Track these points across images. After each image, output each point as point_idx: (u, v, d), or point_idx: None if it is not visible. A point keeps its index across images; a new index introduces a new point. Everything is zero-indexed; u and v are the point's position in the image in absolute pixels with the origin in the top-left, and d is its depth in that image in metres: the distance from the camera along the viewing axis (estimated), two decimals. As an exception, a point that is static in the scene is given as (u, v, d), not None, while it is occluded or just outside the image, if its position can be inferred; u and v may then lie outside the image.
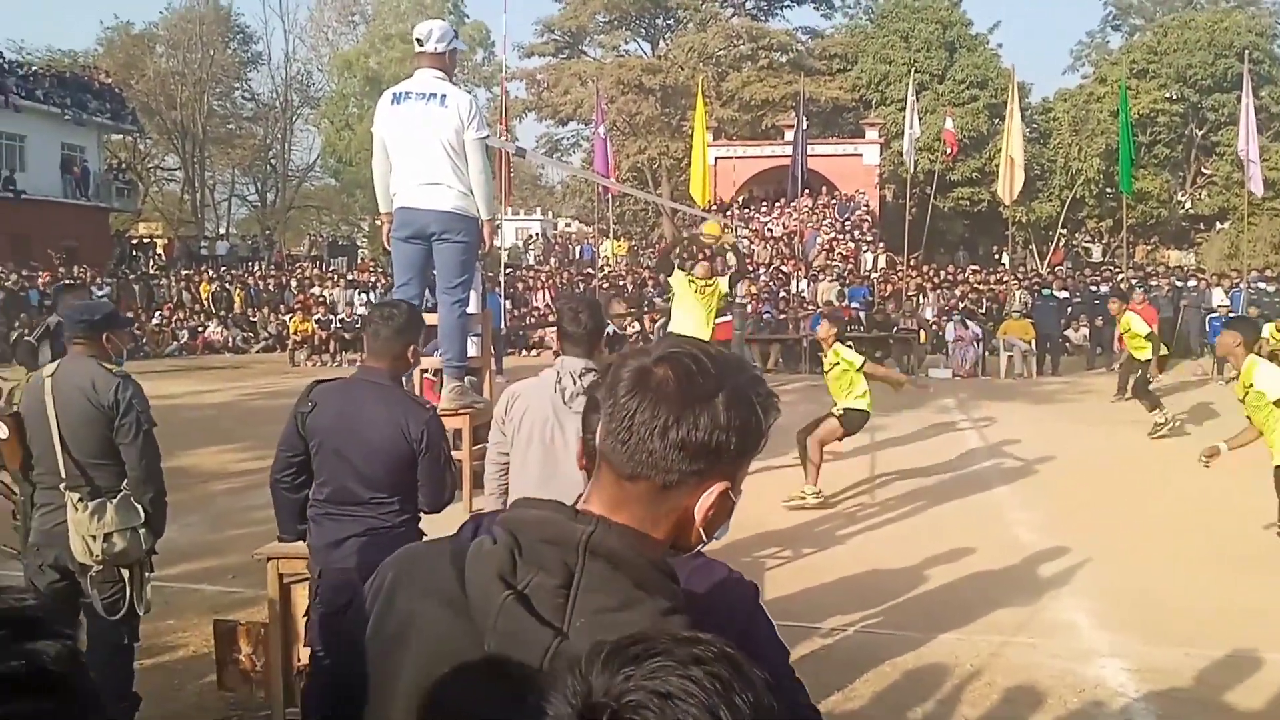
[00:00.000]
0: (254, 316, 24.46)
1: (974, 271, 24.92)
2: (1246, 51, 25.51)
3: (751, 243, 27.38)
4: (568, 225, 50.76)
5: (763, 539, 6.58)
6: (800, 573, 6.00)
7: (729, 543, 6.41)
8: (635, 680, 0.74)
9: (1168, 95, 31.94)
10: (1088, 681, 4.36)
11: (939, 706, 4.08)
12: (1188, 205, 33.08)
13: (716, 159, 31.60)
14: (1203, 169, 33.01)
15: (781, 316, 20.19)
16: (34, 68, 32.51)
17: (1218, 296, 20.00)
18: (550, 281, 24.61)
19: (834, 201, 30.60)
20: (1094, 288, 21.58)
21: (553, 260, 32.23)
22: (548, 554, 1.01)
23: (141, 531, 3.59)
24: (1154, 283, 20.83)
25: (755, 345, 18.43)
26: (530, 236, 44.17)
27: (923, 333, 19.55)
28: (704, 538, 1.09)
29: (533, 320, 22.25)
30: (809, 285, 22.99)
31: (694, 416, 1.01)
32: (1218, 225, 32.33)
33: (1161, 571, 6.19)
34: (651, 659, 0.76)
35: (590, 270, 26.67)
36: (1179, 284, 21.36)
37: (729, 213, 28.82)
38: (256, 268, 31.15)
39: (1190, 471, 8.97)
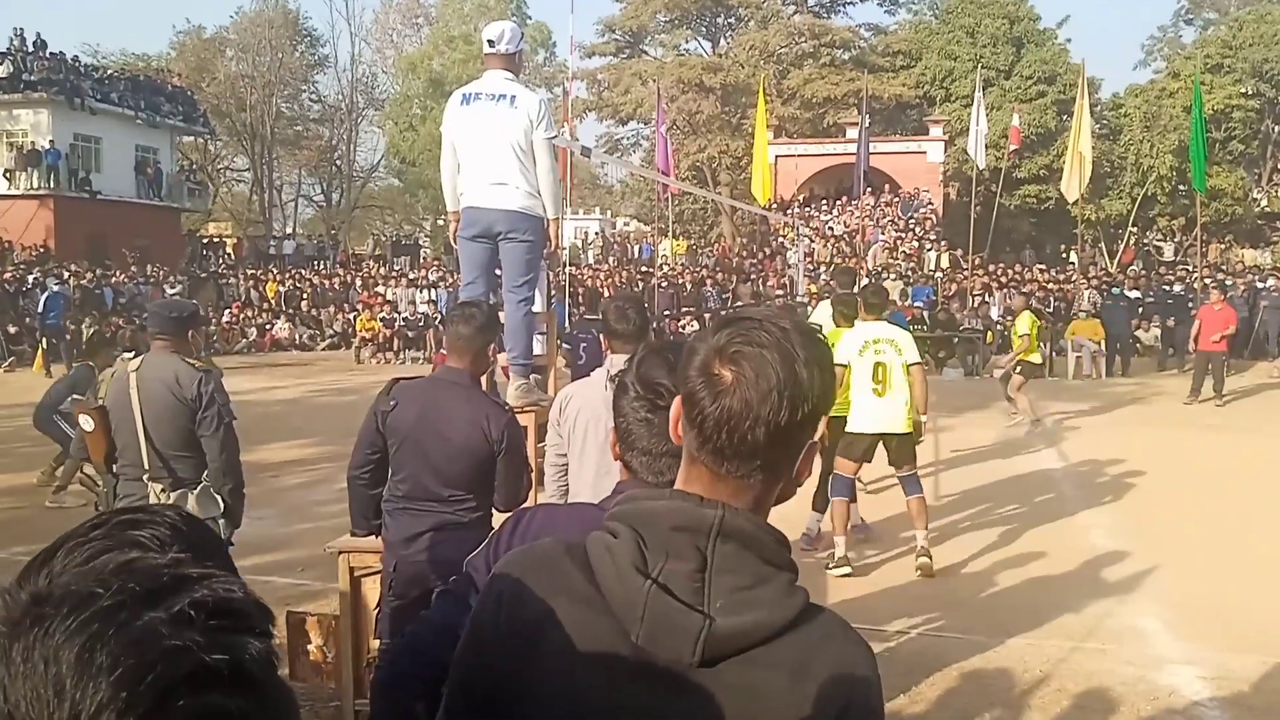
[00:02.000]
0: (320, 314, 24.94)
1: (1041, 270, 24.45)
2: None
3: (812, 241, 27.20)
4: (626, 224, 50.88)
5: (824, 540, 6.52)
6: (864, 575, 5.96)
7: (791, 544, 6.38)
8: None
9: (1243, 90, 31.00)
10: (1161, 689, 4.27)
11: (1006, 712, 4.02)
12: (1264, 203, 32.10)
13: (777, 157, 31.39)
14: (1279, 166, 32.00)
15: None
16: (109, 72, 33.50)
17: (1298, 296, 19.34)
18: (609, 280, 24.69)
19: (897, 200, 30.25)
20: (1166, 287, 21.06)
21: (611, 259, 32.32)
22: (678, 541, 1.03)
23: (220, 522, 3.70)
24: (1229, 282, 20.20)
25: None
26: (588, 236, 44.40)
27: (989, 333, 19.24)
28: (797, 486, 1.12)
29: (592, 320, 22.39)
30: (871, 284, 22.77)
31: (784, 398, 1.03)
32: (1298, 223, 31.35)
33: (1236, 577, 6.03)
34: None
35: (649, 269, 26.70)
36: (1258, 284, 20.72)
37: (790, 211, 28.66)
38: (322, 266, 31.76)
39: (1264, 476, 8.76)
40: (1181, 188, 28.98)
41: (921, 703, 4.09)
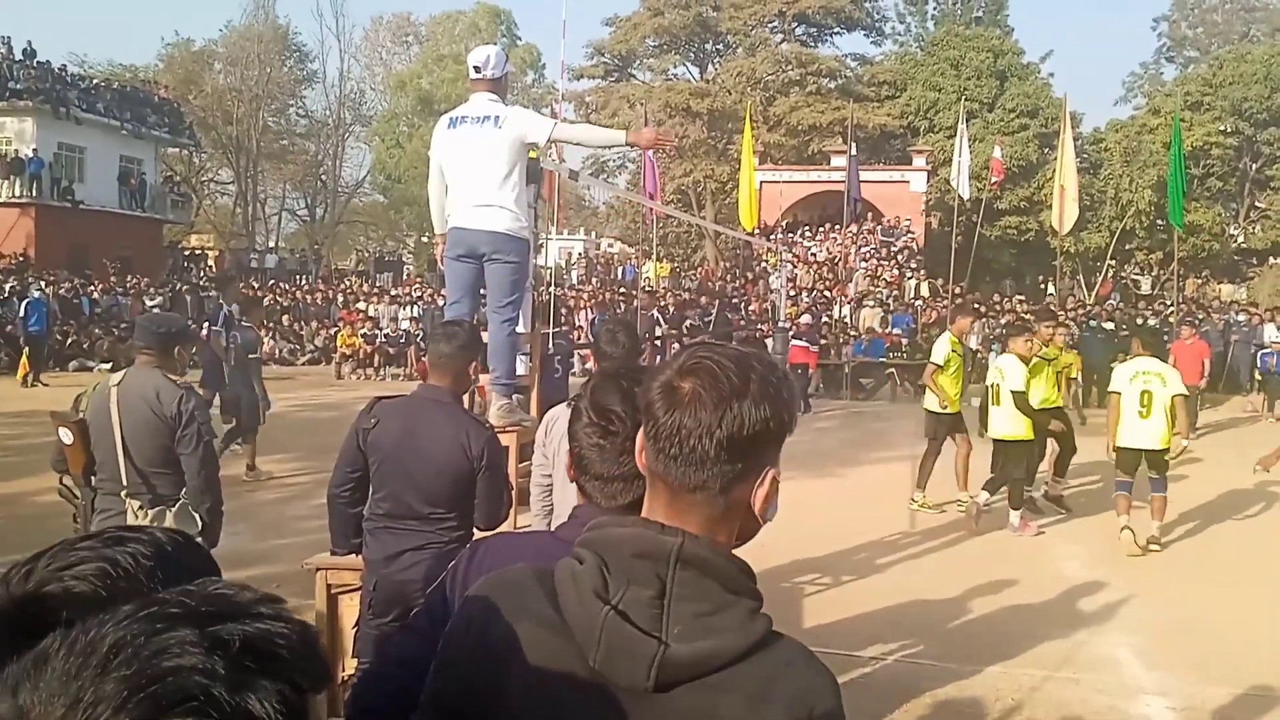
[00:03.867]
0: (301, 329, 24.83)
1: (1020, 301, 24.67)
2: (1304, 85, 25.19)
3: (794, 267, 27.36)
4: (610, 246, 51.03)
5: (801, 566, 6.56)
6: (840, 600, 5.99)
7: (769, 568, 6.42)
8: None
9: (1222, 128, 31.50)
10: (1132, 718, 4.31)
11: (979, 739, 4.05)
12: (1240, 239, 32.55)
13: (762, 183, 31.60)
14: (1256, 203, 32.50)
15: (823, 342, 20.12)
16: (95, 81, 33.40)
17: (1269, 332, 19.61)
18: (592, 301, 24.74)
19: (879, 227, 30.50)
20: (1140, 320, 21.29)
21: (594, 280, 32.39)
22: (639, 568, 1.06)
23: (198, 541, 3.69)
24: (1202, 317, 20.47)
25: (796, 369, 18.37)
26: (572, 256, 44.47)
27: (967, 361, 19.36)
28: (761, 523, 1.14)
29: (575, 340, 22.38)
30: (852, 311, 22.91)
31: (735, 414, 1.06)
32: (1270, 260, 31.77)
33: (1208, 607, 6.10)
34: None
35: (631, 290, 26.77)
36: (1233, 319, 21.00)
37: (773, 237, 28.83)
38: (304, 281, 31.66)
39: (1236, 508, 8.85)
40: (1160, 223, 29.34)
41: (895, 729, 4.11)
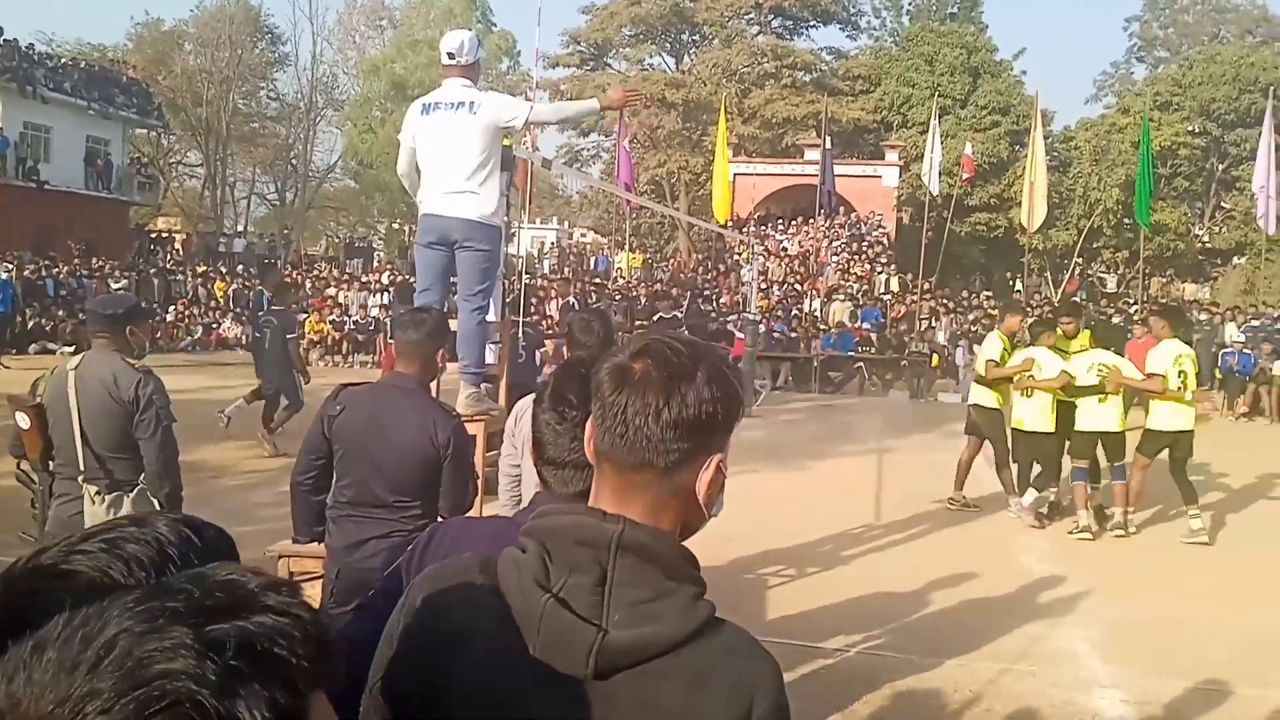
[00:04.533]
0: (269, 314, 24.60)
1: (987, 297, 24.90)
2: (1271, 88, 25.52)
3: (766, 260, 27.46)
4: (583, 235, 50.95)
5: (767, 557, 6.60)
6: (804, 592, 6.02)
7: (733, 559, 6.45)
8: None
9: (1190, 129, 31.93)
10: (1086, 712, 4.38)
11: (937, 730, 4.10)
12: (1205, 239, 33.03)
13: (736, 175, 31.69)
14: (1221, 204, 32.98)
15: (793, 335, 20.22)
16: (63, 60, 32.83)
17: (1230, 332, 19.94)
18: (565, 291, 24.69)
19: (851, 222, 30.66)
20: (1103, 316, 21.56)
21: (567, 270, 32.34)
22: (580, 555, 1.07)
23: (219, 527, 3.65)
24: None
25: (766, 362, 18.46)
26: (544, 245, 44.34)
27: (935, 356, 19.55)
28: (706, 515, 1.14)
29: (545, 330, 22.34)
30: (822, 305, 23.03)
31: (681, 395, 1.07)
32: (1235, 260, 32.26)
33: (1164, 602, 6.20)
34: None
35: (603, 281, 26.76)
36: (1195, 318, 21.31)
37: (746, 229, 28.90)
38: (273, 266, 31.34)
39: (1204, 500, 8.96)
40: (1127, 221, 29.75)
41: (854, 720, 4.15)
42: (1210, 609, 6.09)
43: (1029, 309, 21.78)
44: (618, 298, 23.22)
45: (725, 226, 27.25)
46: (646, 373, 1.08)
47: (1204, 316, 21.36)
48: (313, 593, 3.67)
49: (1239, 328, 20.16)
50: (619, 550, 1.05)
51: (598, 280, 27.23)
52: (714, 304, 23.67)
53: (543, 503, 1.43)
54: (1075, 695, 4.57)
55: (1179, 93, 32.61)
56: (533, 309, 21.36)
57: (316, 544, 3.53)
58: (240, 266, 29.09)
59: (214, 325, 23.52)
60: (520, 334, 8.02)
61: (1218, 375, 18.28)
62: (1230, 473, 10.88)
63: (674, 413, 1.06)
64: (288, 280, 19.06)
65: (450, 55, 4.97)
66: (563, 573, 1.06)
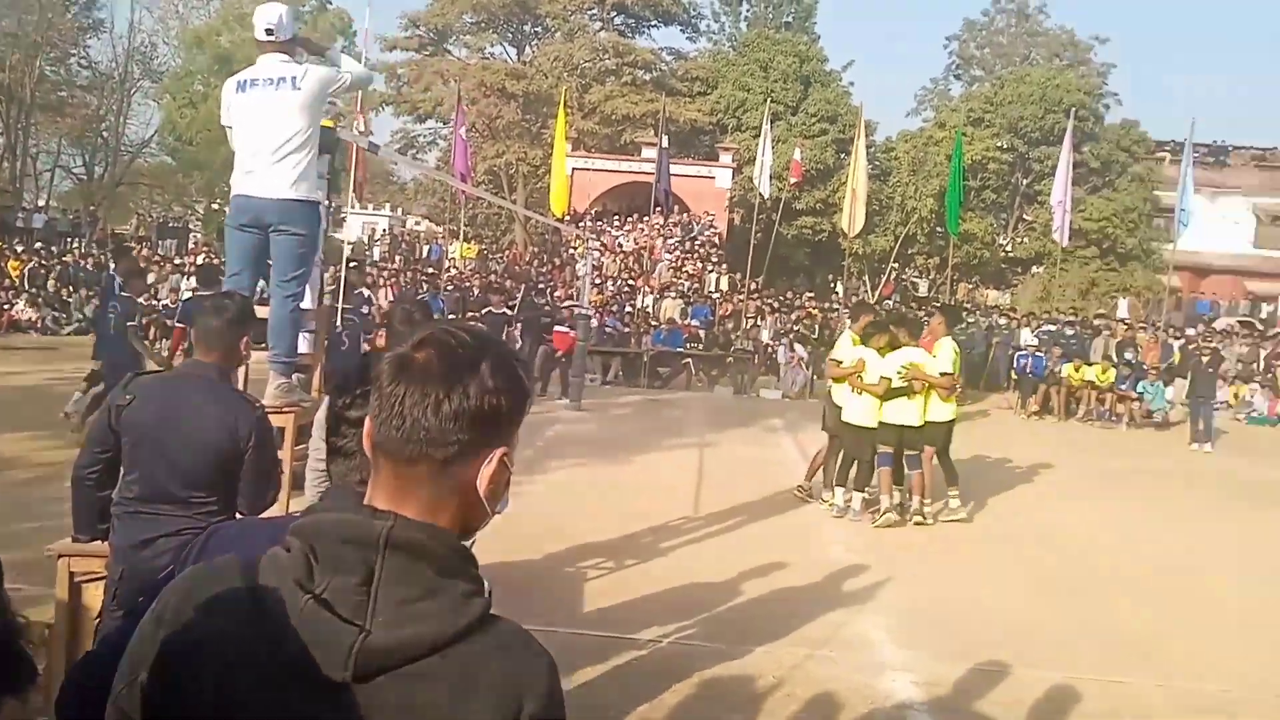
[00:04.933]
0: (69, 296, 22.95)
1: (809, 298, 25.88)
2: (1073, 109, 27.59)
3: (601, 255, 27.65)
4: (417, 224, 49.85)
5: (586, 550, 6.67)
6: (621, 584, 6.12)
7: (552, 553, 6.49)
8: None
9: (999, 144, 34.03)
10: (879, 694, 4.64)
11: (740, 717, 4.25)
12: (1008, 248, 35.33)
13: (574, 170, 31.76)
14: (1024, 216, 35.34)
15: (625, 330, 20.45)
16: None
17: (1025, 336, 21.48)
18: (395, 280, 24.12)
19: (684, 220, 31.23)
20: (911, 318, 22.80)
21: (398, 258, 31.61)
22: (347, 554, 1.03)
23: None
24: (971, 320, 22.18)
25: (597, 356, 18.59)
26: (375, 232, 43.18)
27: (758, 354, 20.19)
28: (489, 512, 1.13)
29: (372, 319, 21.76)
30: (654, 301, 23.39)
31: (463, 386, 1.06)
32: (1033, 269, 34.66)
33: (954, 589, 6.65)
34: None
35: (435, 270, 26.29)
36: (995, 323, 22.86)
37: (582, 224, 29.00)
38: (76, 245, 29.26)
39: (986, 493, 9.64)
40: (939, 230, 31.48)
41: (662, 709, 4.25)
42: (994, 595, 6.56)
43: (836, 310, 22.84)
44: (450, 288, 22.87)
45: (562, 220, 27.27)
46: (428, 363, 1.06)
47: (1003, 321, 22.91)
48: (96, 594, 3.48)
49: (1033, 332, 21.72)
50: (388, 548, 1.03)
51: (430, 270, 26.73)
52: (548, 297, 23.66)
53: (333, 498, 1.41)
54: (871, 679, 4.83)
55: (990, 110, 34.72)
56: (360, 297, 20.76)
57: (100, 542, 3.33)
58: (39, 244, 26.97)
59: (6, 306, 21.73)
60: (341, 322, 7.80)
61: (1013, 376, 19.63)
62: (1020, 466, 11.75)
63: (454, 404, 1.05)
64: (139, 266, 17.95)
65: (268, 31, 4.78)
66: (328, 573, 1.03)
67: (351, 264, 23.09)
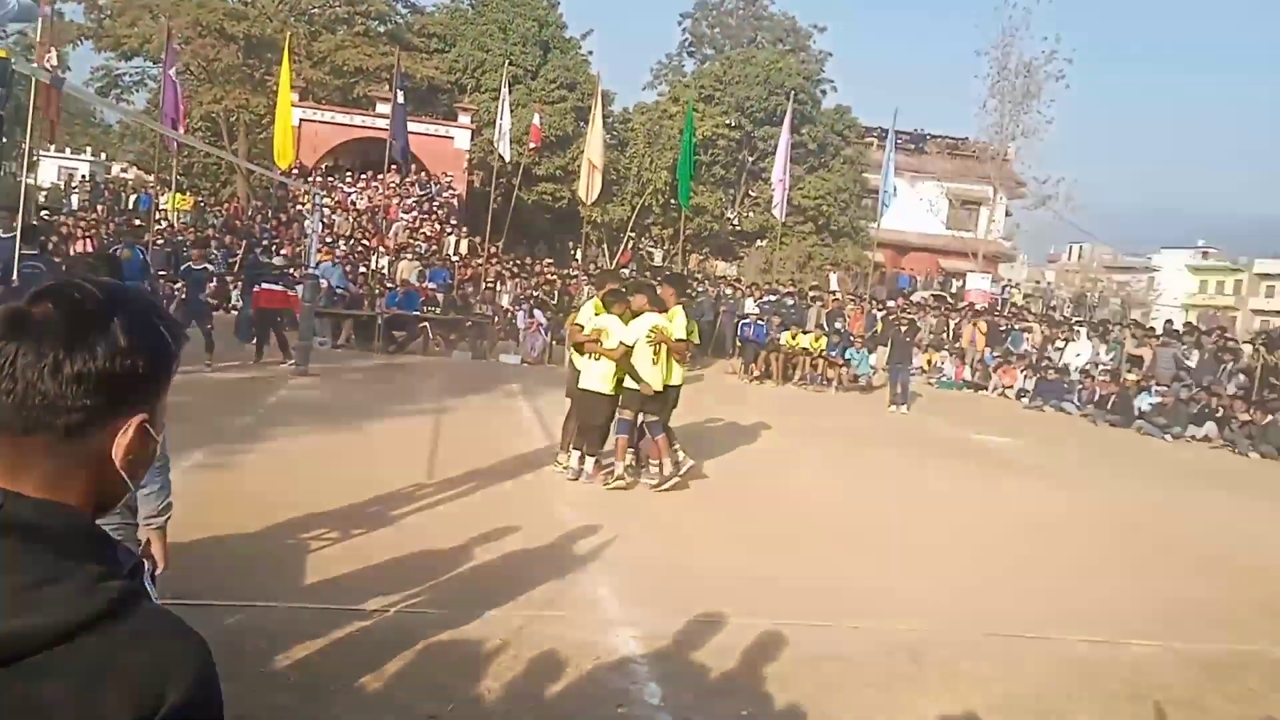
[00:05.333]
0: None
1: (549, 264, 26.05)
2: (793, 92, 29.26)
3: (332, 212, 26.44)
4: (124, 171, 45.47)
5: (309, 521, 6.38)
6: (347, 554, 5.91)
7: (274, 524, 6.17)
8: None
9: (728, 122, 35.60)
10: (603, 650, 4.76)
11: (464, 681, 4.23)
12: (736, 222, 37.17)
13: (301, 121, 30.12)
14: (750, 192, 37.26)
15: (359, 292, 19.71)
16: None
17: (749, 305, 22.73)
18: (94, 231, 21.89)
19: (422, 180, 30.44)
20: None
21: (100, 208, 28.72)
22: None
23: None
24: (700, 289, 23.18)
25: (328, 319, 17.82)
26: (73, 178, 38.99)
27: (497, 319, 20.11)
28: (130, 485, 1.02)
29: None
30: (390, 263, 22.68)
31: (89, 345, 0.95)
32: (758, 242, 36.70)
33: (684, 547, 6.95)
34: None
35: (141, 222, 24.11)
36: (722, 292, 24.01)
37: (311, 179, 27.56)
38: None
39: (720, 453, 10.15)
40: (673, 202, 32.63)
41: (383, 679, 4.15)
42: (717, 551, 6.93)
43: (590, 279, 23.17)
44: (159, 242, 21.06)
45: (288, 174, 25.78)
46: (46, 318, 0.94)
47: (729, 291, 24.09)
48: None
49: (756, 302, 23.01)
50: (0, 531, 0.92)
51: (137, 221, 24.48)
52: (273, 256, 22.34)
53: None
54: (595, 636, 4.95)
55: (720, 88, 36.22)
56: (53, 247, 18.73)
57: None
58: None
59: None
60: (16, 272, 6.97)
61: (738, 343, 20.74)
62: (744, 427, 12.44)
63: (77, 366, 0.93)
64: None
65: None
66: None
67: (44, 212, 20.85)
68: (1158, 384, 18.14)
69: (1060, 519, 9.23)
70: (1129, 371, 19.42)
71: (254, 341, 14.78)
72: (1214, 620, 6.32)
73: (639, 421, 8.69)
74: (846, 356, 20.07)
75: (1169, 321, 28.33)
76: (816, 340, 19.95)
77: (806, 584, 6.28)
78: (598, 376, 8.63)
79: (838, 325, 21.81)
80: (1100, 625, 5.94)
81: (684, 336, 8.75)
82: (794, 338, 19.87)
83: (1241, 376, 18.01)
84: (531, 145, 29.04)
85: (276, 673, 4.14)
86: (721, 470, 9.77)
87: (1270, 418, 15.73)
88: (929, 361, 22.88)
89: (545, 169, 32.96)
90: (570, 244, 35.59)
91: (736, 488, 9.19)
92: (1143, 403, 17.77)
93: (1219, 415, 16.61)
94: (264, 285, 15.05)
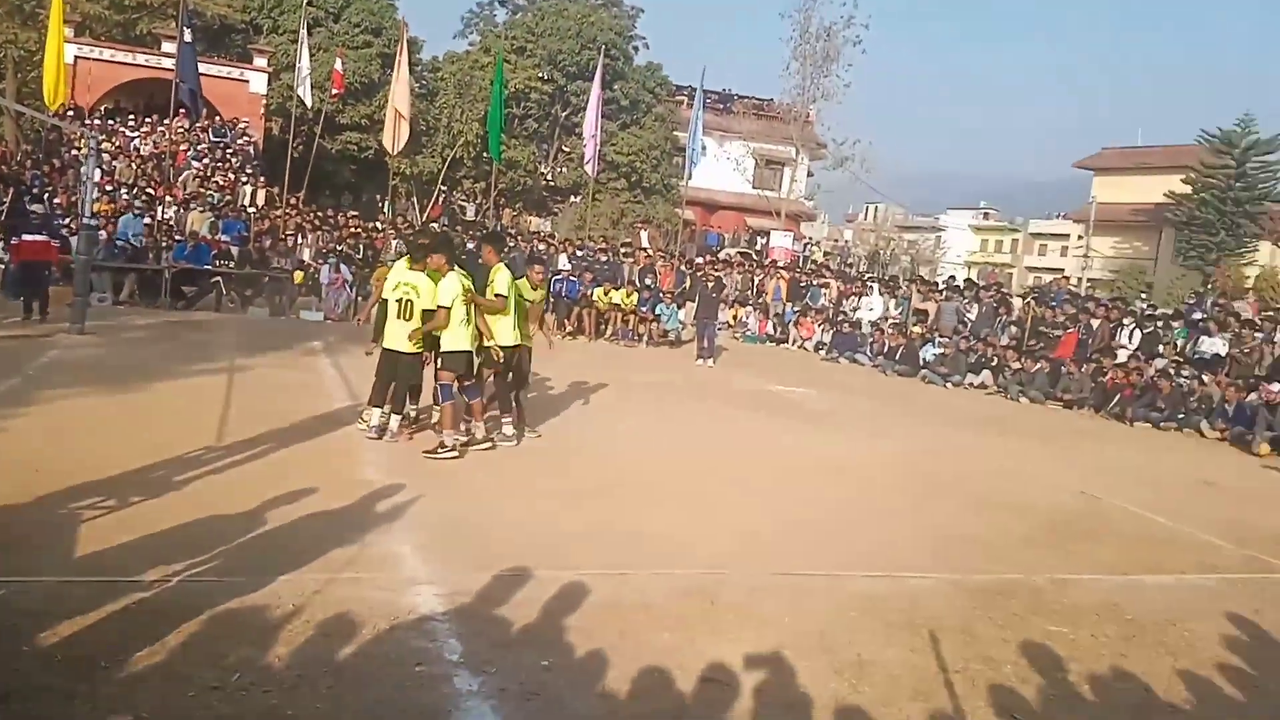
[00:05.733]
0: None
1: (353, 217, 25.10)
2: (605, 47, 29.19)
3: (114, 159, 24.50)
4: None
5: (81, 490, 5.96)
6: (126, 523, 5.55)
7: (42, 494, 5.74)
8: None
9: (541, 75, 35.18)
10: (402, 609, 4.69)
11: (252, 649, 4.07)
12: (550, 178, 36.96)
13: (77, 58, 27.63)
14: (563, 147, 37.09)
15: (142, 244, 18.40)
16: None
17: (563, 261, 22.70)
18: None
19: (214, 125, 28.58)
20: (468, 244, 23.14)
21: None
22: None
23: None
24: (513, 244, 22.93)
25: (107, 273, 16.58)
26: None
27: (298, 273, 19.26)
28: None
29: None
30: (178, 213, 21.24)
31: None
32: (572, 198, 36.65)
33: (491, 503, 6.93)
34: None
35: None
36: (537, 248, 23.85)
37: (87, 122, 25.40)
38: None
39: (532, 409, 10.11)
40: (485, 155, 32.07)
41: (163, 652, 3.94)
42: (525, 506, 6.95)
43: (399, 233, 22.48)
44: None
45: (61, 116, 23.61)
46: None
47: (543, 247, 23.96)
48: None
49: (569, 258, 23.01)
50: None
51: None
52: (46, 204, 20.49)
53: None
54: (394, 595, 4.87)
55: (532, 40, 35.70)
56: None
57: None
58: None
59: None
60: None
61: (551, 299, 20.66)
62: (556, 384, 12.48)
63: None
64: None
65: None
66: None
67: None
68: (940, 336, 19.40)
69: (850, 464, 9.77)
70: (915, 325, 20.68)
71: (21, 299, 13.58)
72: (982, 553, 6.86)
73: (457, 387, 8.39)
74: (657, 312, 20.42)
75: (951, 278, 30.37)
76: (628, 296, 20.19)
77: (612, 535, 6.40)
78: (399, 336, 8.38)
79: (648, 281, 22.12)
80: (881, 562, 6.35)
81: (504, 293, 8.59)
82: (606, 294, 20.03)
83: (1014, 328, 19.51)
84: (334, 92, 27.79)
85: (41, 651, 3.87)
86: (534, 425, 9.76)
87: (1037, 365, 17.15)
88: (734, 316, 23.58)
89: (349, 117, 31.65)
90: (377, 197, 34.39)
91: (548, 443, 9.21)
92: (927, 353, 18.98)
93: (993, 364, 17.96)
94: (25, 237, 13.82)
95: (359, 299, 18.16)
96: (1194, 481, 10.80)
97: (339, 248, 20.26)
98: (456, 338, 8.25)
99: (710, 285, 19.46)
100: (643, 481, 8.14)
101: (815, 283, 25.06)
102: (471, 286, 8.44)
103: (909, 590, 5.85)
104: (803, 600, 5.48)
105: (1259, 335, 16.55)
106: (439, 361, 8.38)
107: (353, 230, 22.53)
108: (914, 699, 4.27)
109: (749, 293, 24.87)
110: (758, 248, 37.73)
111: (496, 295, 8.59)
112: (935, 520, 7.71)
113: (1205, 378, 15.49)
